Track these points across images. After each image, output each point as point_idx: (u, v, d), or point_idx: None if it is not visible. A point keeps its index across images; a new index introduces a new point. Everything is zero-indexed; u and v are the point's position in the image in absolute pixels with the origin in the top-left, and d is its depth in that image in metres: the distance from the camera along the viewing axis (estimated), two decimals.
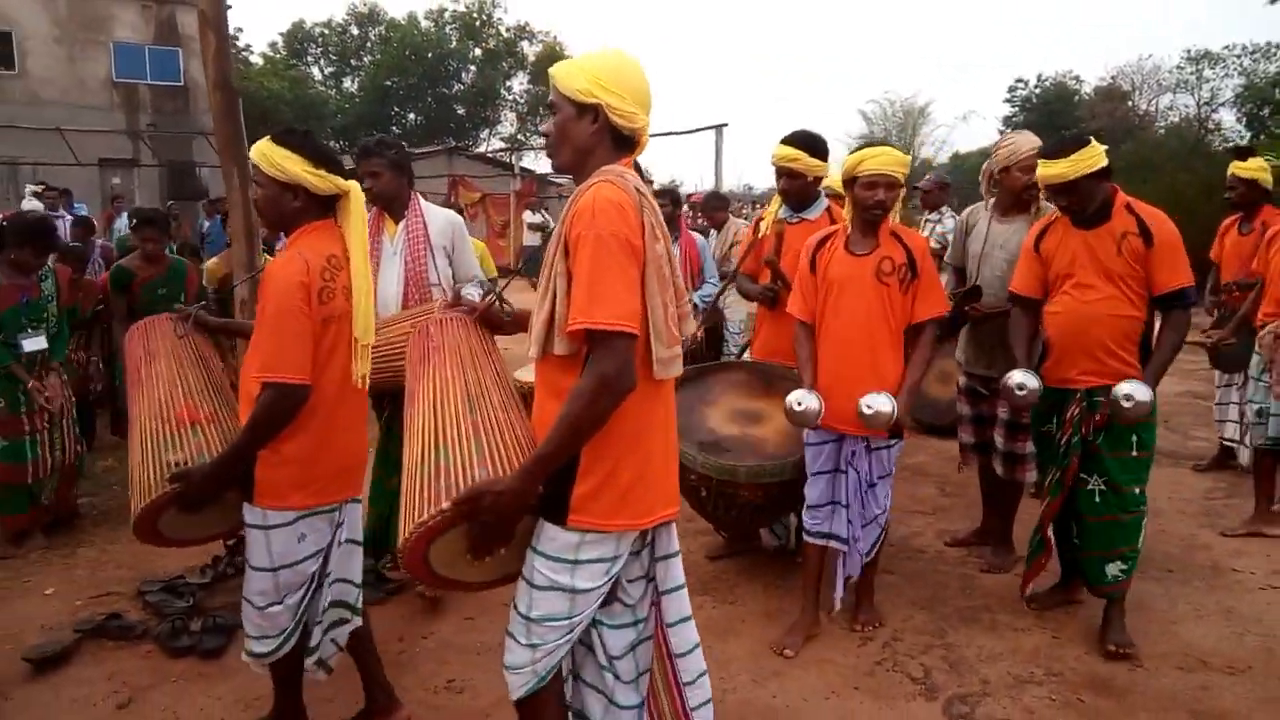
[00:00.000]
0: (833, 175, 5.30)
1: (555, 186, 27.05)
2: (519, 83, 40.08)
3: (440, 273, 3.91)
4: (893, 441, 3.55)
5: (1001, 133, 36.65)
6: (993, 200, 4.17)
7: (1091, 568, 3.57)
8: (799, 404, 3.41)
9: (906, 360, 3.52)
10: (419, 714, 3.12)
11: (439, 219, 3.98)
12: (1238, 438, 5.55)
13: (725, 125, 17.38)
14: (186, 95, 25.43)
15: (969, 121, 73.35)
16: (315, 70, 39.91)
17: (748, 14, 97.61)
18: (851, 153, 3.60)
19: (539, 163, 35.99)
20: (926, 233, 6.91)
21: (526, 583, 2.08)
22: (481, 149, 35.42)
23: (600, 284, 1.89)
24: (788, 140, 4.14)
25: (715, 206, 7.80)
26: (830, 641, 3.61)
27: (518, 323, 2.60)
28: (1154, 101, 38.84)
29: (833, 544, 3.60)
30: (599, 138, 2.06)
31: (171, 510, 2.62)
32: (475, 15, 38.89)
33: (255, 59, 36.42)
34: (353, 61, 39.68)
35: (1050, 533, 3.63)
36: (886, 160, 3.42)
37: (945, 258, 4.71)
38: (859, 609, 3.74)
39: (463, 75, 38.88)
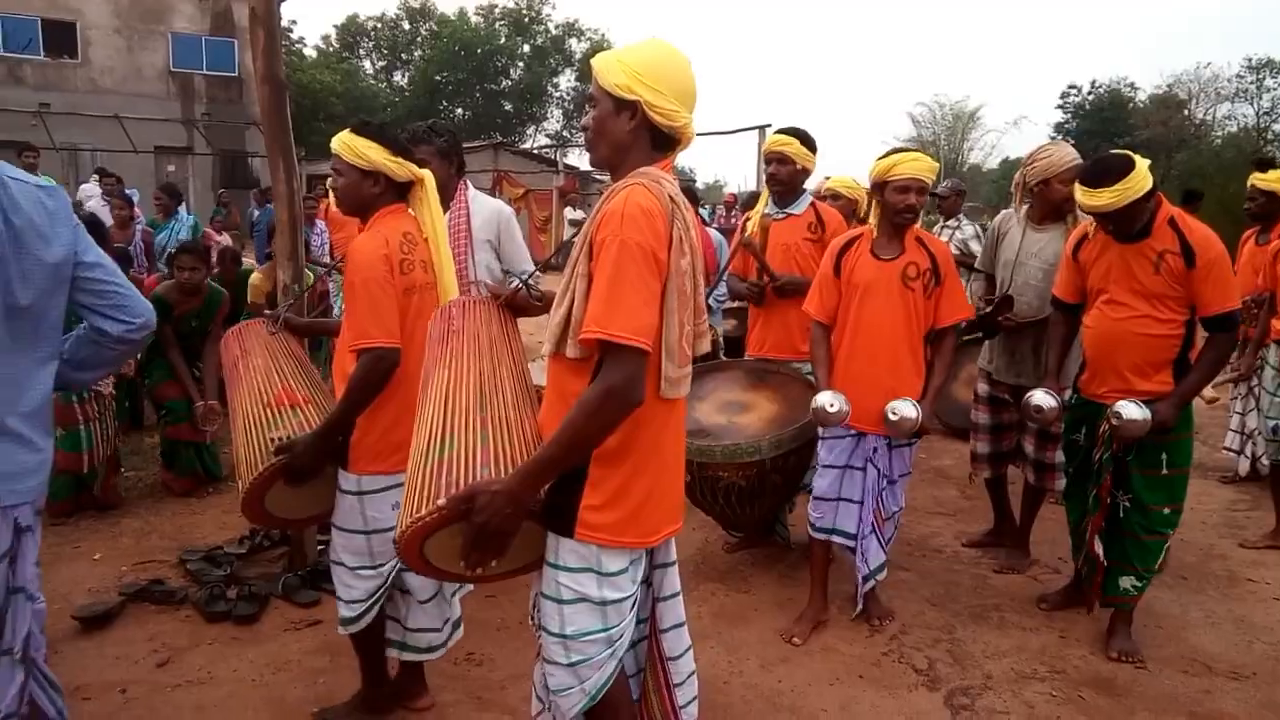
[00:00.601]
0: (838, 177, 5.38)
1: (598, 184, 27.23)
2: (566, 80, 40.38)
3: (483, 268, 3.78)
4: (914, 440, 3.62)
5: (1052, 139, 36.25)
6: (1025, 208, 4.17)
7: (1107, 577, 3.58)
8: (831, 405, 3.42)
9: (927, 363, 3.60)
10: (440, 684, 3.27)
11: (485, 210, 3.85)
12: (1237, 448, 5.62)
13: (768, 126, 17.47)
14: (240, 86, 26.02)
15: (1020, 127, 72.10)
16: (366, 64, 40.52)
17: (797, 14, 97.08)
18: (880, 158, 3.63)
19: (583, 159, 36.22)
20: (945, 239, 6.94)
21: (554, 601, 2.03)
22: (527, 145, 35.76)
23: (619, 294, 1.85)
24: (780, 131, 4.35)
25: (748, 205, 7.90)
26: (838, 632, 3.71)
27: (548, 307, 2.64)
28: (1211, 110, 38.15)
29: (835, 539, 3.67)
30: (637, 135, 2.00)
31: (278, 484, 2.68)
32: (525, 12, 39.22)
33: (309, 52, 37.07)
34: (403, 56, 40.23)
35: (1098, 549, 3.55)
36: (920, 166, 3.47)
37: (976, 264, 4.77)
38: (871, 612, 3.79)
39: (511, 71, 39.25)
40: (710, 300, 5.73)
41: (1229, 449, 5.72)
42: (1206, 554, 4.66)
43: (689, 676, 2.31)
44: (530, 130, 40.66)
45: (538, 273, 2.73)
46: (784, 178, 4.28)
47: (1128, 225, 3.32)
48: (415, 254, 2.75)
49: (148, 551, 4.45)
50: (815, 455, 3.87)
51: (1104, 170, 3.23)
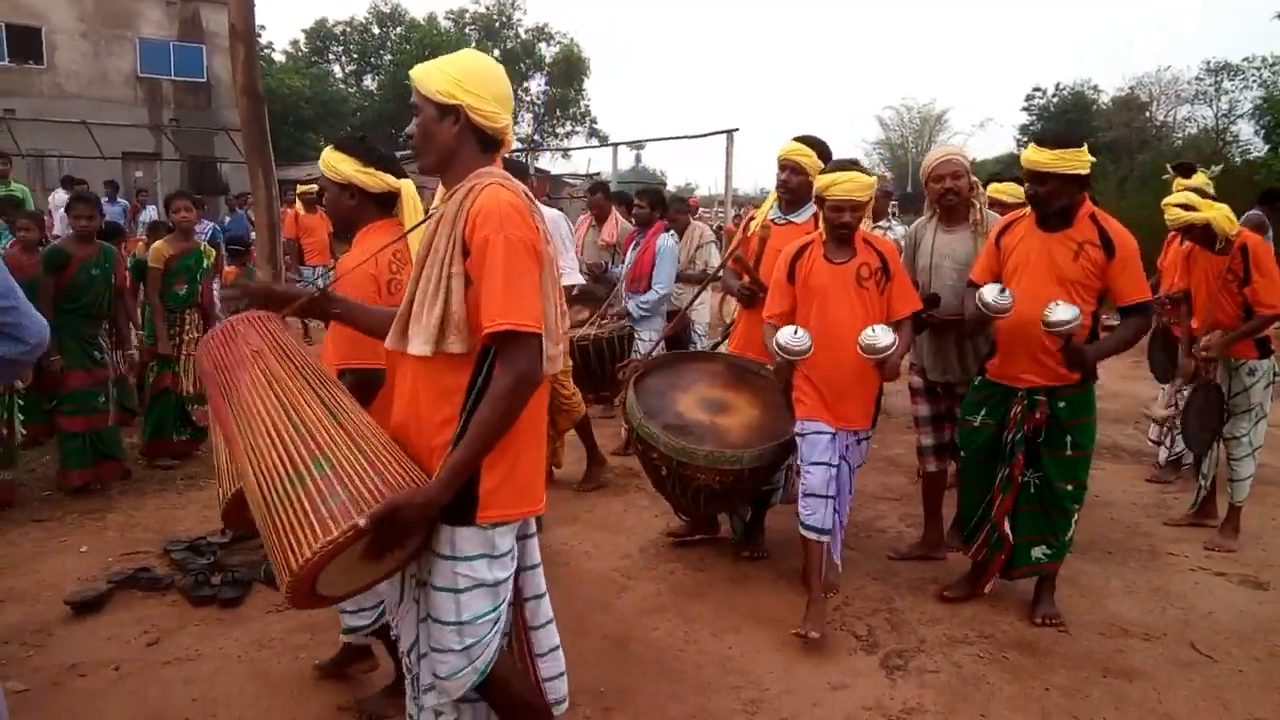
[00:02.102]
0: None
1: (569, 187, 27.43)
2: (536, 84, 40.50)
3: None
4: (869, 433, 3.98)
5: (1017, 140, 36.64)
6: (935, 214, 4.40)
7: (1017, 552, 3.82)
8: (795, 332, 3.68)
9: None
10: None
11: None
12: (1156, 438, 5.97)
13: (736, 130, 17.76)
14: (209, 91, 26.02)
15: (986, 129, 73.55)
16: (336, 68, 40.45)
17: (764, 18, 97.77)
18: (821, 173, 3.88)
19: (555, 163, 36.43)
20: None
21: (450, 591, 2.08)
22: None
23: (515, 287, 1.98)
24: (799, 139, 4.41)
25: (676, 210, 7.55)
26: (786, 603, 3.98)
27: (348, 319, 2.46)
28: (1172, 112, 38.81)
29: (810, 535, 3.76)
30: (462, 139, 2.12)
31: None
32: (495, 17, 39.34)
33: (278, 56, 36.99)
34: (372, 60, 40.18)
35: (1006, 527, 3.77)
36: (852, 187, 3.67)
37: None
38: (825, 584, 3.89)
39: None
40: (633, 305, 5.93)
41: (1152, 440, 6.08)
42: (1132, 531, 5.00)
43: (552, 651, 2.41)
44: None
45: (331, 273, 2.75)
46: (795, 186, 4.38)
47: (1050, 196, 3.54)
48: (404, 274, 2.75)
49: (133, 543, 4.65)
50: (790, 458, 4.08)
51: (1057, 135, 3.61)
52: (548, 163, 34.04)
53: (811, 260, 3.84)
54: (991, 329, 3.81)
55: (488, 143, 2.16)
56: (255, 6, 4.14)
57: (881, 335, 3.59)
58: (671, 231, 6.52)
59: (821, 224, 3.90)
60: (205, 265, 6.07)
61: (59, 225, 11.68)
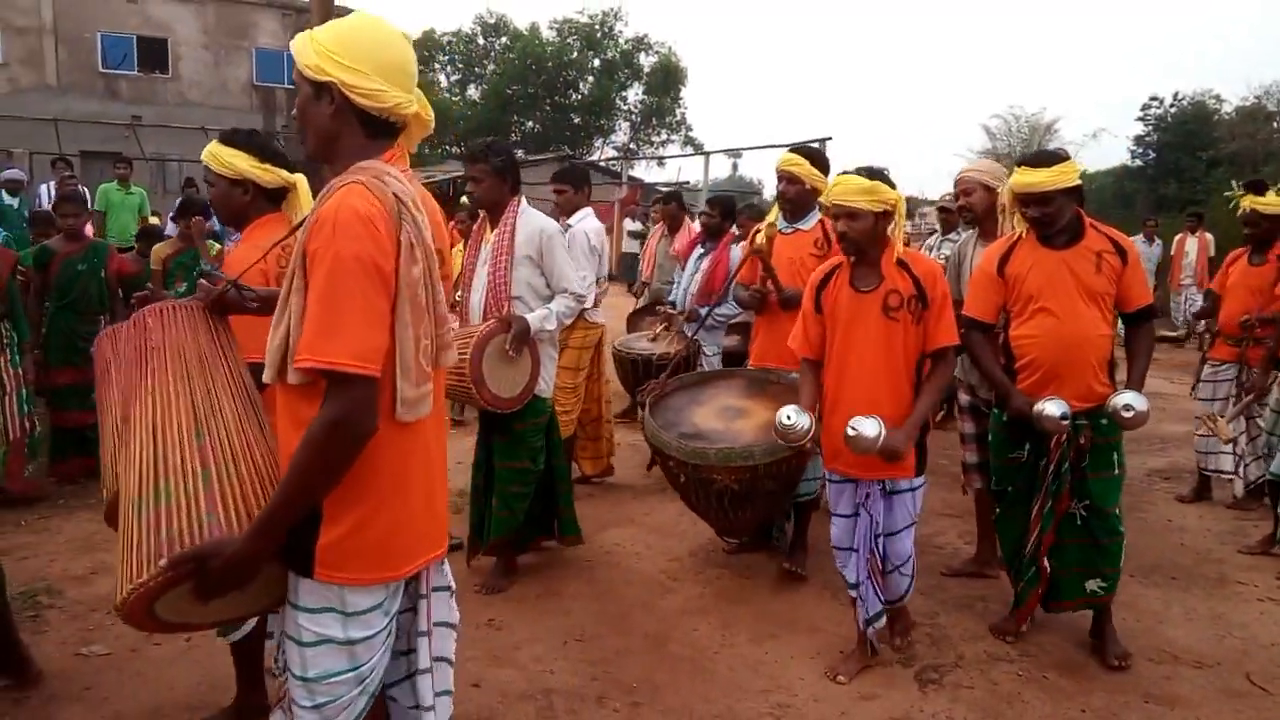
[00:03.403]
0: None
1: (659, 194, 27.63)
2: (634, 93, 40.88)
3: (523, 284, 3.96)
4: (915, 483, 3.43)
5: (1131, 151, 35.31)
6: (975, 229, 4.40)
7: (1067, 585, 3.62)
8: (787, 418, 3.33)
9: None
10: (462, 644, 3.61)
11: (529, 227, 3.96)
12: (1231, 469, 5.55)
13: (829, 139, 17.76)
14: None
15: (1099, 140, 70.46)
16: (441, 77, 41.60)
17: (865, 25, 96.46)
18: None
19: (649, 172, 36.68)
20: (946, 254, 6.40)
21: (294, 643, 1.84)
22: (594, 157, 36.40)
23: (335, 315, 1.66)
24: (792, 149, 4.50)
25: (746, 217, 7.40)
26: (825, 613, 4.01)
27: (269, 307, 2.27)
28: None
29: (853, 592, 3.52)
30: (341, 121, 1.82)
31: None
32: (597, 27, 39.89)
33: None
34: (477, 70, 41.18)
35: (1046, 563, 3.59)
36: (843, 190, 3.33)
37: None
38: (893, 630, 3.69)
39: (580, 85, 39.93)
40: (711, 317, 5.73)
41: (1220, 473, 5.64)
42: (1203, 558, 4.83)
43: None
44: (598, 142, 41.28)
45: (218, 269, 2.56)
46: (792, 196, 4.40)
47: (1053, 217, 3.46)
48: None
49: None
50: (810, 467, 4.10)
51: (1040, 154, 3.60)
52: (642, 171, 34.35)
53: (838, 286, 3.46)
54: (1023, 359, 3.59)
55: (376, 127, 1.84)
56: (299, 29, 4.36)
57: (865, 427, 3.16)
58: (743, 242, 6.50)
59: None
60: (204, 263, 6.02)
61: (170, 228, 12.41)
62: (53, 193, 10.00)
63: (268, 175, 2.79)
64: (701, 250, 6.15)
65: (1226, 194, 5.75)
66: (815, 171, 4.39)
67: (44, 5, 23.48)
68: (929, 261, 3.55)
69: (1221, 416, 4.96)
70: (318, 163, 1.91)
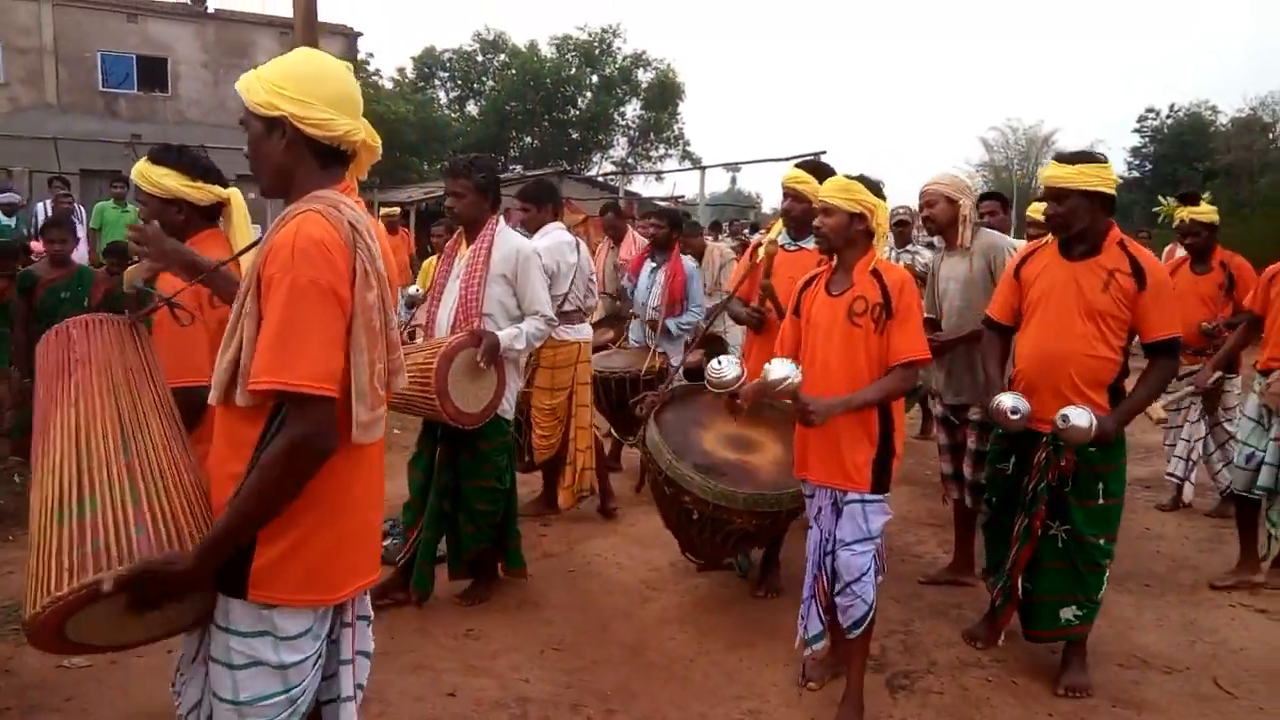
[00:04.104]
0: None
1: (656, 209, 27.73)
2: (633, 109, 41.10)
3: (495, 301, 3.94)
4: (867, 497, 3.22)
5: (1129, 164, 35.23)
6: (941, 241, 4.48)
7: (1042, 613, 3.49)
8: (716, 365, 3.32)
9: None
10: (439, 655, 3.72)
11: (506, 246, 3.97)
12: (1181, 474, 5.68)
13: (824, 152, 17.85)
14: None
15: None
16: (441, 94, 41.85)
17: (867, 37, 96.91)
18: None
19: (648, 186, 36.83)
20: (907, 264, 6.38)
21: (225, 666, 1.83)
22: (593, 172, 36.59)
23: (294, 338, 1.70)
24: (799, 165, 4.37)
25: (690, 234, 7.53)
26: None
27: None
28: None
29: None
30: (295, 154, 1.87)
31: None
32: (596, 44, 40.15)
33: (385, 83, 38.52)
34: (475, 86, 41.43)
35: (1019, 581, 3.50)
36: (824, 186, 3.37)
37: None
38: (844, 699, 3.28)
39: (578, 101, 40.16)
40: (673, 326, 5.81)
41: (1173, 476, 5.80)
42: (1179, 565, 4.89)
43: None
44: (596, 158, 41.49)
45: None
46: (798, 215, 4.24)
47: (1068, 217, 3.35)
48: None
49: None
50: None
51: (1077, 152, 3.45)
52: (641, 186, 34.45)
53: (816, 290, 3.40)
54: (1016, 366, 3.59)
55: (328, 156, 1.90)
56: (317, 44, 4.45)
57: (727, 368, 3.26)
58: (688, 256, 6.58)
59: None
60: None
61: None
62: (49, 212, 10.09)
63: (199, 193, 2.73)
64: (654, 263, 6.03)
65: (1155, 209, 5.85)
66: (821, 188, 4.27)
67: (44, 25, 23.70)
68: (903, 272, 3.38)
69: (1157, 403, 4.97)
70: (275, 197, 1.95)
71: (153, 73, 25.17)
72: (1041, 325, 3.44)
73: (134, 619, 1.79)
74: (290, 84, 1.84)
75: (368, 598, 2.07)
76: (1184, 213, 5.49)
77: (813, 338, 3.35)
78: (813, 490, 3.38)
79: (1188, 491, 5.76)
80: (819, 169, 4.29)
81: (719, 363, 3.33)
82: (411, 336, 4.39)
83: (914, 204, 7.07)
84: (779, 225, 4.50)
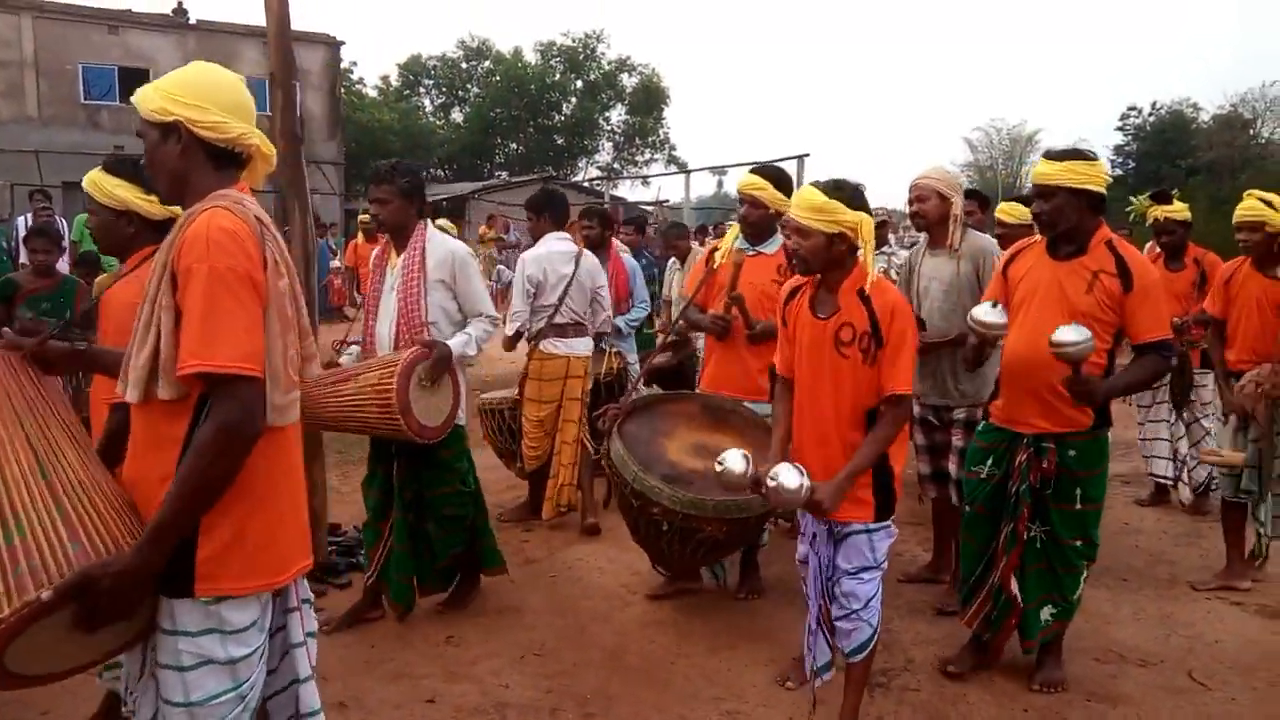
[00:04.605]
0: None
1: (644, 212, 27.78)
2: (617, 114, 41.24)
3: (436, 308, 3.84)
4: (871, 527, 3.04)
5: (1112, 162, 35.42)
6: (926, 238, 4.43)
7: (1029, 620, 3.46)
8: (720, 465, 2.98)
9: None
10: (419, 662, 3.73)
11: (440, 250, 3.88)
12: (1171, 475, 5.67)
13: (807, 155, 17.97)
14: (302, 126, 27.27)
15: None
16: (426, 101, 41.91)
17: (851, 39, 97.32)
18: None
19: (633, 191, 36.91)
20: (882, 268, 6.23)
21: (175, 669, 1.85)
22: (578, 178, 36.65)
23: (218, 322, 1.77)
24: (755, 171, 4.29)
25: (677, 235, 7.65)
26: (782, 620, 4.07)
27: (91, 360, 2.40)
28: (1277, 130, 37.39)
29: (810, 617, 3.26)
30: (190, 157, 1.94)
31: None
32: (580, 50, 40.27)
33: (370, 91, 38.55)
34: (460, 93, 41.49)
35: (1014, 588, 3.42)
36: (795, 202, 3.12)
37: None
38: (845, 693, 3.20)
39: (563, 107, 40.25)
40: (623, 324, 5.77)
41: (1161, 477, 5.79)
42: (1156, 559, 4.93)
43: None
44: (582, 163, 41.60)
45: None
46: (755, 221, 4.21)
47: (1055, 215, 3.29)
48: None
49: None
50: None
51: (1070, 149, 3.40)
52: (626, 190, 34.62)
53: (799, 307, 3.18)
54: (991, 359, 3.63)
55: (223, 159, 1.97)
56: (293, 56, 4.47)
57: (786, 477, 2.83)
58: (672, 260, 6.71)
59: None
60: None
61: None
62: (30, 225, 10.05)
63: (153, 207, 2.74)
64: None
65: (1128, 209, 5.86)
66: (779, 195, 4.16)
67: (25, 38, 23.65)
68: (894, 296, 3.09)
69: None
70: (174, 204, 2.02)
71: (135, 84, 24.37)
72: (1024, 326, 3.36)
73: (77, 641, 1.78)
74: (184, 91, 1.92)
75: (305, 583, 2.12)
76: (1157, 211, 5.50)
77: (800, 359, 3.15)
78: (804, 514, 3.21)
79: (1184, 493, 5.67)
80: (774, 174, 4.26)
81: (720, 463, 2.99)
82: (338, 354, 4.25)
83: (894, 204, 7.19)
84: (734, 231, 4.39)
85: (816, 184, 3.06)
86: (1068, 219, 3.30)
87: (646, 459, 3.83)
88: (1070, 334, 3.03)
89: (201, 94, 1.92)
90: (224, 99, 1.95)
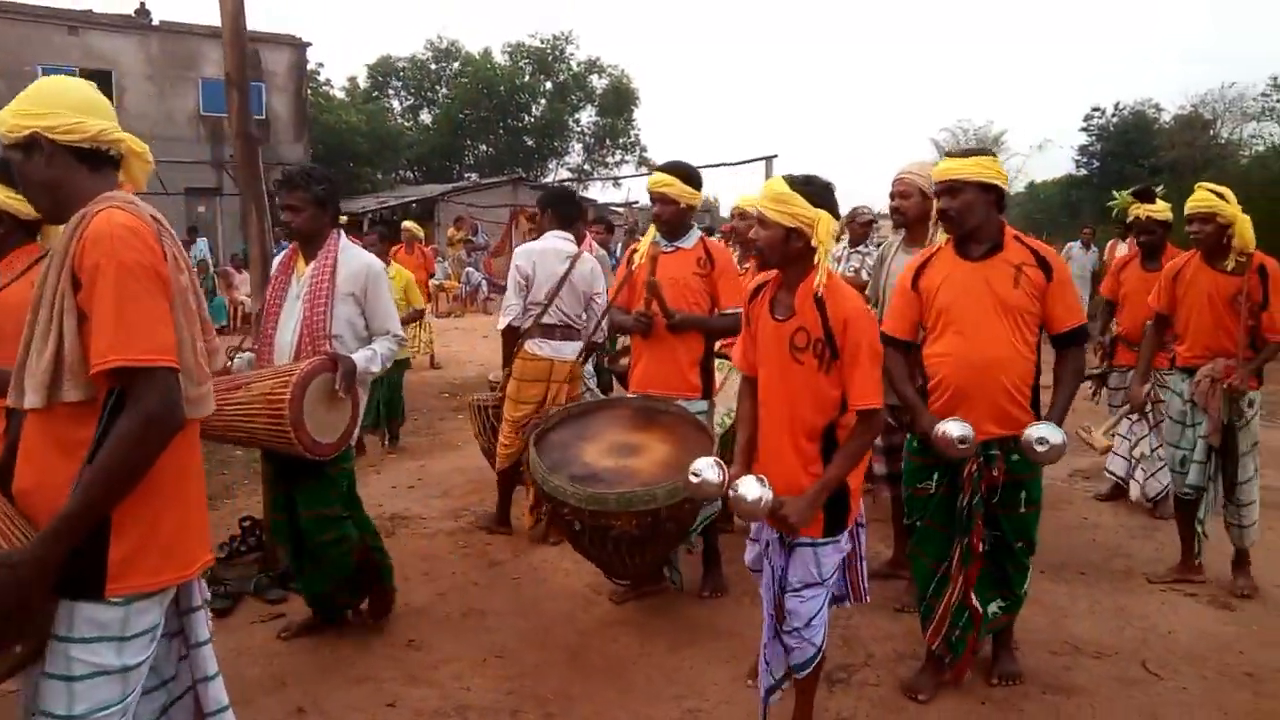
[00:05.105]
0: (746, 196, 5.20)
1: (613, 214, 27.78)
2: (587, 115, 41.19)
3: (343, 321, 3.68)
4: (818, 541, 2.92)
5: (1076, 161, 35.76)
6: (904, 233, 4.45)
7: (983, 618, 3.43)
8: (695, 476, 2.88)
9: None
10: (380, 666, 3.71)
11: (352, 263, 3.73)
12: (1125, 474, 5.71)
13: (775, 156, 18.02)
14: (268, 128, 27.01)
15: (1045, 150, 72.01)
16: (395, 103, 41.64)
17: (816, 41, 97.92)
18: None
19: (604, 193, 36.90)
20: (854, 267, 6.16)
21: (62, 679, 1.80)
22: (548, 179, 36.59)
23: (132, 315, 1.77)
24: (662, 168, 4.27)
25: (595, 228, 7.66)
26: (744, 618, 4.09)
27: None
28: (1237, 130, 38.00)
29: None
30: (59, 165, 1.92)
31: None
32: (549, 51, 40.17)
33: (338, 93, 38.24)
34: (429, 94, 41.27)
35: (974, 600, 3.36)
36: (762, 191, 3.05)
37: (865, 291, 4.74)
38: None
39: (533, 108, 40.16)
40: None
41: (1116, 475, 5.86)
42: (1113, 553, 5.00)
43: None
44: (552, 165, 41.51)
45: None
46: (668, 218, 4.20)
47: (963, 213, 3.25)
48: None
49: None
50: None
51: (971, 149, 3.45)
52: (597, 192, 34.62)
53: (760, 307, 3.07)
54: (934, 379, 3.39)
55: (94, 160, 1.96)
56: (248, 57, 4.44)
57: (745, 488, 2.77)
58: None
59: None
60: None
61: None
62: None
63: (24, 206, 2.70)
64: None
65: (1110, 204, 5.82)
66: (688, 189, 4.16)
67: None
68: (851, 305, 2.90)
69: (1096, 429, 4.86)
70: (57, 223, 1.97)
71: (96, 86, 24.70)
72: (960, 334, 3.28)
73: None
74: (32, 104, 1.92)
75: (204, 585, 2.11)
76: (1139, 209, 5.45)
77: (761, 361, 3.05)
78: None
79: (1134, 491, 5.71)
80: (681, 170, 4.20)
81: (695, 474, 2.88)
82: (231, 359, 4.09)
83: (858, 203, 7.15)
84: (652, 231, 4.33)
85: (788, 176, 2.97)
86: (976, 215, 3.26)
87: (559, 462, 3.76)
88: (1056, 436, 3.07)
89: (48, 101, 1.92)
90: (72, 100, 1.94)
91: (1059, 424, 3.16)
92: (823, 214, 2.83)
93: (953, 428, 3.13)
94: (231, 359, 3.94)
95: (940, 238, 3.79)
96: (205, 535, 2.07)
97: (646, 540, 3.62)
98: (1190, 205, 4.35)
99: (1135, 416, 5.32)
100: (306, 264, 3.74)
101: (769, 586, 3.04)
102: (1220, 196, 4.29)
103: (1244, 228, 4.24)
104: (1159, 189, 5.63)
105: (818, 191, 2.89)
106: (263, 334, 3.78)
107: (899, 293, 3.52)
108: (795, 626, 2.96)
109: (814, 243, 2.84)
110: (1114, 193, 5.76)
